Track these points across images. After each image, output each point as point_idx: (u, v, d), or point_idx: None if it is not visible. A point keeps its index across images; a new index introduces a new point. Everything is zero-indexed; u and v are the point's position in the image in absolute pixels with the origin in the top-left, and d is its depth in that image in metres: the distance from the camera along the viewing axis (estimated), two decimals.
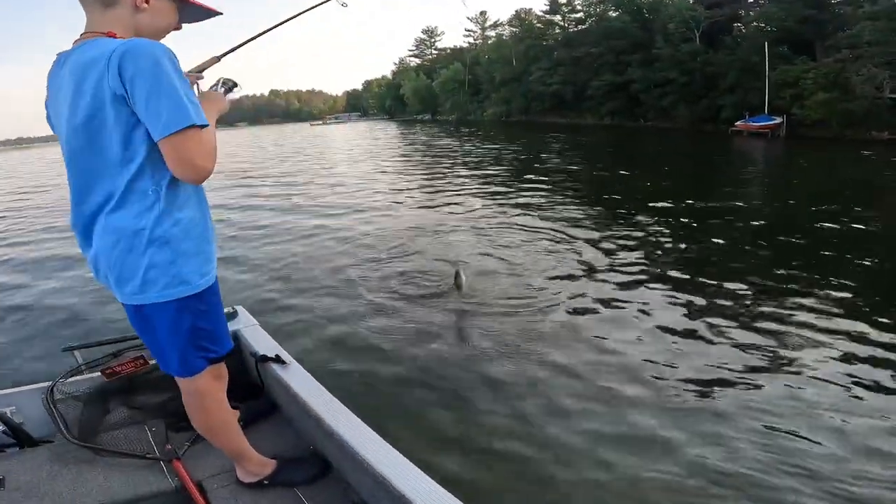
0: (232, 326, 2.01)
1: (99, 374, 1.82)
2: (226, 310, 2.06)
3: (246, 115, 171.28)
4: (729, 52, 30.14)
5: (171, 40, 1.30)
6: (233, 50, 1.55)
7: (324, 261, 6.00)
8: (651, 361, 3.49)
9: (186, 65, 1.38)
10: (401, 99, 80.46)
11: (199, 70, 1.44)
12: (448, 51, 76.07)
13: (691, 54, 32.22)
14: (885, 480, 2.34)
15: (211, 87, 1.44)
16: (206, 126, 1.14)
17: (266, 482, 1.51)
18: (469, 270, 4.94)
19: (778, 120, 25.32)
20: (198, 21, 1.36)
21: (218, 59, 1.50)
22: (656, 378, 3.28)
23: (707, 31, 33.27)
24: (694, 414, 2.90)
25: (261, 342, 1.94)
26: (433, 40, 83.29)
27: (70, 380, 1.82)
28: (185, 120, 1.09)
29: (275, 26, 1.72)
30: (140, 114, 1.09)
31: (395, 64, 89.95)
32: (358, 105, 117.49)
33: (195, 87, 1.38)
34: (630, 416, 2.89)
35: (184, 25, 1.33)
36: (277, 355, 1.81)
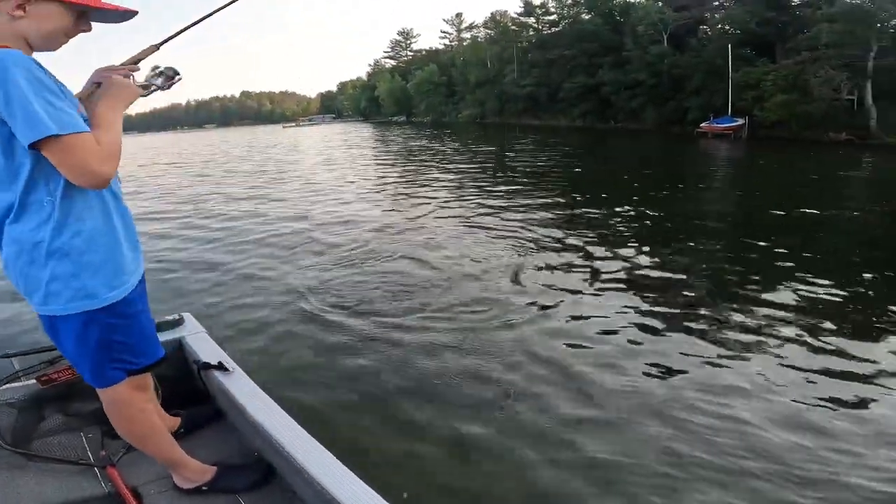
0: (177, 333, 2.08)
1: (34, 381, 1.85)
2: (171, 317, 2.16)
3: (214, 116, 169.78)
4: (695, 55, 31.36)
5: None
6: (172, 37, 1.47)
7: (285, 264, 6.07)
8: (612, 356, 3.63)
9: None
10: (376, 101, 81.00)
11: (135, 61, 1.39)
12: (423, 52, 76.99)
13: (659, 56, 33.39)
14: (836, 462, 2.55)
15: (147, 78, 1.41)
16: (76, 132, 1.10)
17: (205, 488, 1.54)
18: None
19: (740, 122, 26.45)
20: (113, 22, 1.32)
21: (157, 47, 1.42)
22: (615, 371, 3.43)
23: (674, 34, 34.56)
24: (655, 402, 3.06)
25: (206, 349, 1.98)
26: (408, 42, 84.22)
27: (5, 387, 1.84)
28: (41, 130, 1.06)
29: (218, 10, 1.62)
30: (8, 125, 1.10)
31: (370, 65, 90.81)
32: (332, 107, 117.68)
33: (130, 78, 1.36)
34: (590, 406, 3.03)
35: (112, 25, 1.34)
36: (220, 362, 1.85)
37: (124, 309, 1.31)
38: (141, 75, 1.40)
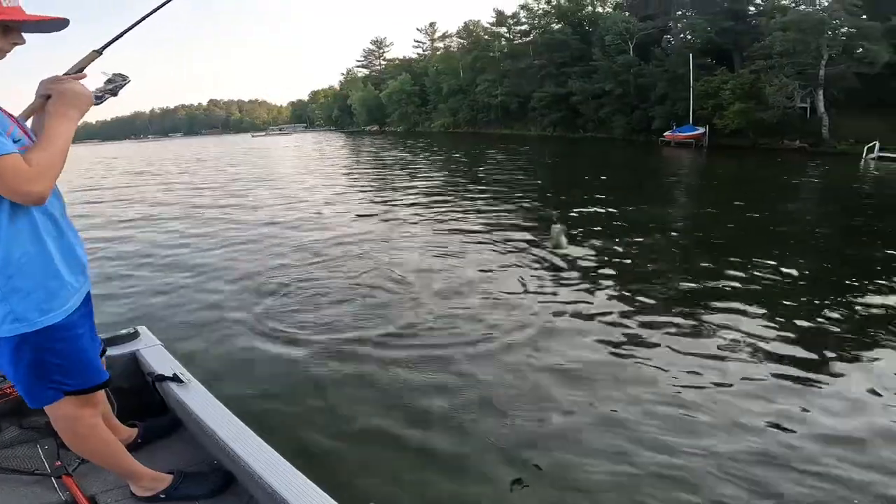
0: (132, 346, 2.16)
1: None
2: (126, 330, 2.23)
3: (180, 124, 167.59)
4: (658, 64, 32.79)
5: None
6: (114, 40, 1.46)
7: (246, 274, 6.18)
8: (579, 359, 3.82)
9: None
10: (348, 110, 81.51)
11: (79, 69, 1.39)
12: (397, 61, 77.93)
13: (625, 66, 34.79)
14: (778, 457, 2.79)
15: (97, 88, 1.43)
16: (7, 153, 1.13)
17: (163, 496, 1.59)
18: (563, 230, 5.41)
19: (701, 130, 27.80)
20: (46, 32, 1.34)
21: (99, 52, 1.42)
22: (577, 373, 3.64)
23: (640, 44, 36.05)
24: (615, 400, 3.29)
25: (162, 362, 2.06)
26: (382, 51, 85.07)
27: None
28: None
29: (158, 7, 1.61)
30: None
31: (343, 74, 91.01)
32: (303, 116, 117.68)
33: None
34: (554, 406, 3.22)
35: (41, 35, 1.36)
36: (176, 374, 1.94)
37: (61, 332, 1.33)
38: (90, 83, 1.39)
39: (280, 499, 1.37)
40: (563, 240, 4.77)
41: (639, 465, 2.72)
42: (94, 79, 1.44)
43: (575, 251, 6.56)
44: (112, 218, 11.27)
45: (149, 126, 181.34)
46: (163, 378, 1.95)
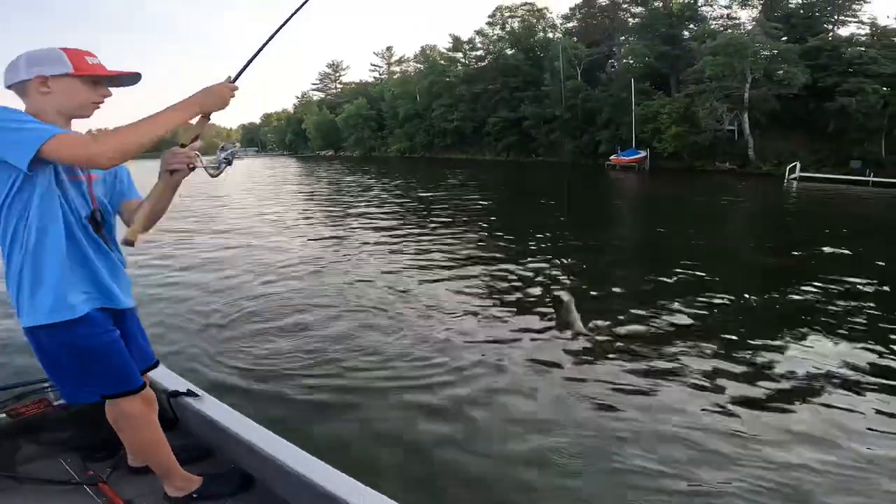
0: None
1: (4, 414, 2.16)
2: None
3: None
4: (603, 89, 35.91)
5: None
6: (243, 70, 1.70)
7: (212, 298, 6.36)
8: (533, 386, 4.03)
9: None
10: (303, 134, 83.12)
11: (193, 139, 1.66)
12: (353, 85, 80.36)
13: (574, 91, 37.80)
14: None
15: (217, 159, 1.72)
16: (55, 134, 1.35)
17: (195, 496, 1.79)
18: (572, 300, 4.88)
19: (643, 154, 30.64)
20: (126, 86, 1.64)
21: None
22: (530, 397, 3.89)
23: (587, 69, 39.33)
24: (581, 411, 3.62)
25: (168, 378, 2.27)
26: (338, 74, 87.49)
27: None
28: (24, 152, 1.35)
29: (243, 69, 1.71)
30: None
31: (297, 97, 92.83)
32: (255, 139, 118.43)
33: (197, 160, 1.66)
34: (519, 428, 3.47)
35: (123, 89, 1.65)
36: (189, 389, 2.17)
37: (75, 331, 1.53)
38: (207, 157, 1.68)
39: (304, 484, 1.64)
40: (576, 317, 4.07)
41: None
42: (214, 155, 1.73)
43: (532, 272, 7.13)
44: None
45: None
46: (177, 394, 2.18)
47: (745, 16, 33.54)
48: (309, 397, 3.86)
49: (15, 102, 1.50)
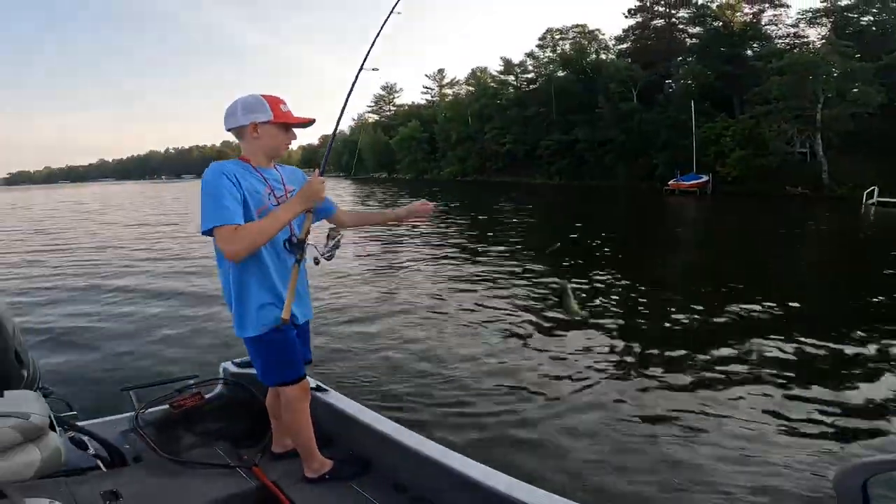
0: None
1: (168, 406, 2.47)
2: None
3: (193, 167, 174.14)
4: (661, 111, 34.58)
5: None
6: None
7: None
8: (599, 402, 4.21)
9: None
10: (358, 155, 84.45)
11: (306, 232, 1.94)
12: (406, 107, 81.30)
13: (630, 113, 36.64)
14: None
15: (326, 247, 1.97)
16: (229, 224, 1.67)
17: (328, 477, 2.06)
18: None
19: (705, 178, 29.14)
20: (304, 128, 1.97)
21: (311, 212, 1.96)
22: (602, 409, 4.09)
23: (643, 90, 38.10)
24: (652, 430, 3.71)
25: None
26: (392, 97, 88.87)
27: (149, 410, 2.43)
28: (203, 225, 1.69)
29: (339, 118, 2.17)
30: None
31: (354, 119, 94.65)
32: (313, 160, 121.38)
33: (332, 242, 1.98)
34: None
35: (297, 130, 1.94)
36: (318, 385, 2.40)
37: (274, 336, 1.88)
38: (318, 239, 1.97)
39: (419, 462, 1.85)
40: (573, 302, 4.07)
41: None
42: (319, 235, 2.01)
43: (601, 313, 6.67)
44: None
45: (162, 166, 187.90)
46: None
47: (814, 34, 31.73)
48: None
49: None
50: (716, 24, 35.58)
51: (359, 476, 2.09)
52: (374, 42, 2.14)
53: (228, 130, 1.89)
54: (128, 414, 2.44)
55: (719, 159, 28.73)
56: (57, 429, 1.51)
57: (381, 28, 2.16)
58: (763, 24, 33.84)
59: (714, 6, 36.69)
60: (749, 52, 33.24)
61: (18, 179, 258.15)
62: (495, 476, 1.70)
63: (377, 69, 2.15)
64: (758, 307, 6.75)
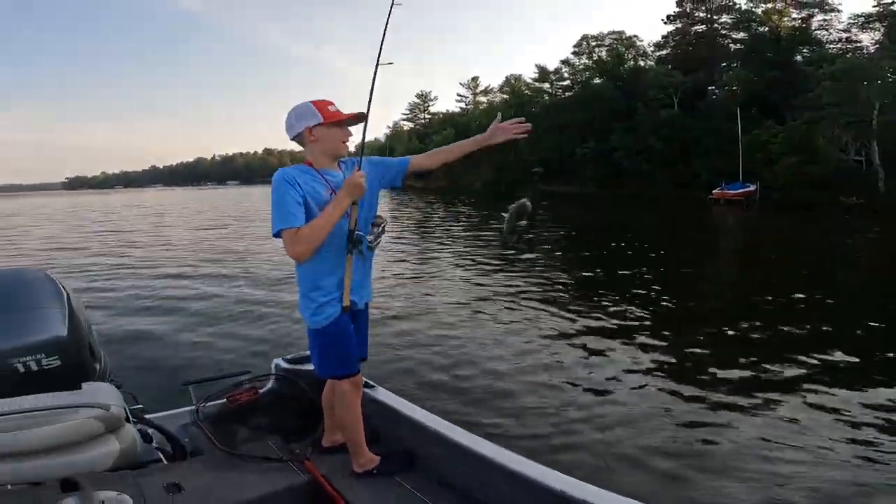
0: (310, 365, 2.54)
1: (225, 400, 2.55)
2: (305, 353, 2.61)
3: (239, 173, 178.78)
4: (703, 117, 33.38)
5: None
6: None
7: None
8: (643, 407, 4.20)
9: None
10: None
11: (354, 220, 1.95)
12: (440, 115, 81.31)
13: (670, 120, 35.53)
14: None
15: (374, 235, 2.00)
16: (291, 227, 1.77)
17: (375, 472, 2.06)
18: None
19: (752, 187, 27.68)
20: (356, 123, 2.02)
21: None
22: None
23: (683, 97, 36.95)
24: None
25: None
26: (426, 104, 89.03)
27: (207, 405, 2.52)
28: (272, 229, 1.81)
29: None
30: None
31: (389, 127, 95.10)
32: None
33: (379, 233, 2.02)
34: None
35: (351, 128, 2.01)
36: (366, 381, 2.40)
37: (333, 329, 1.95)
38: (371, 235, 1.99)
39: (462, 455, 1.87)
40: (511, 226, 2.57)
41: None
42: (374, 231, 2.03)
43: (639, 328, 6.43)
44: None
45: (210, 172, 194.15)
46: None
47: (867, 39, 30.20)
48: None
49: None
50: (761, 29, 34.28)
51: (405, 471, 2.10)
52: (383, 36, 2.15)
53: (292, 140, 1.99)
54: (189, 408, 2.52)
55: (766, 167, 27.40)
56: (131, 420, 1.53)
57: (387, 21, 2.17)
58: (813, 28, 32.37)
59: (759, 11, 35.44)
60: (798, 58, 31.87)
61: (76, 184, 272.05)
62: (552, 475, 1.64)
63: (392, 63, 2.17)
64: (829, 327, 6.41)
